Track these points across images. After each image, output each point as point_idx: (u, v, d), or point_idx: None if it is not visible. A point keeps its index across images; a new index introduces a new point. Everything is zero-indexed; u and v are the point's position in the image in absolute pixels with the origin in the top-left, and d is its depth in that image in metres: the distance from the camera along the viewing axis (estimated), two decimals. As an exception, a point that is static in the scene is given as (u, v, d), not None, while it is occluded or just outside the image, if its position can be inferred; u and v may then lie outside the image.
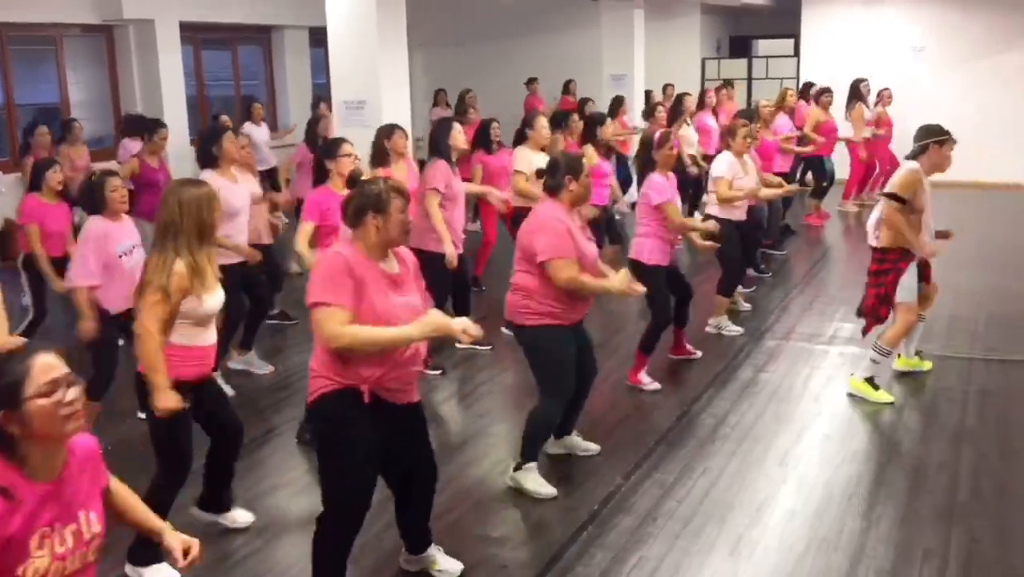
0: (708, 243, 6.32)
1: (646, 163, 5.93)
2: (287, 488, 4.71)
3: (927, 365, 6.12)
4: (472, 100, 11.85)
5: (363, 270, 3.26)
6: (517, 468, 4.57)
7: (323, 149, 5.75)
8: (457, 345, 6.40)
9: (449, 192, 6.09)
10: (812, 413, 5.54)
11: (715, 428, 5.28)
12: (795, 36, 15.17)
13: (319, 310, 3.22)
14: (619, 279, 4.37)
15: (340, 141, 5.59)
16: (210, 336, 3.85)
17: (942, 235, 5.72)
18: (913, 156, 5.51)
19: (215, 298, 3.79)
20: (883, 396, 5.61)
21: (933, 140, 5.44)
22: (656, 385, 5.86)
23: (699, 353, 6.40)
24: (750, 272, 8.09)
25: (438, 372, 6.18)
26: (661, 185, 5.80)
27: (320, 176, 5.57)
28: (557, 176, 4.44)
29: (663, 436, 5.19)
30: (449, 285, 6.20)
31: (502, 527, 4.29)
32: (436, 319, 3.24)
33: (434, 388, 6.00)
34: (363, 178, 3.53)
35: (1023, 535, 4.06)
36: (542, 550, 4.04)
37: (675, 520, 4.23)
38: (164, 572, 3.74)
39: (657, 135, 6.00)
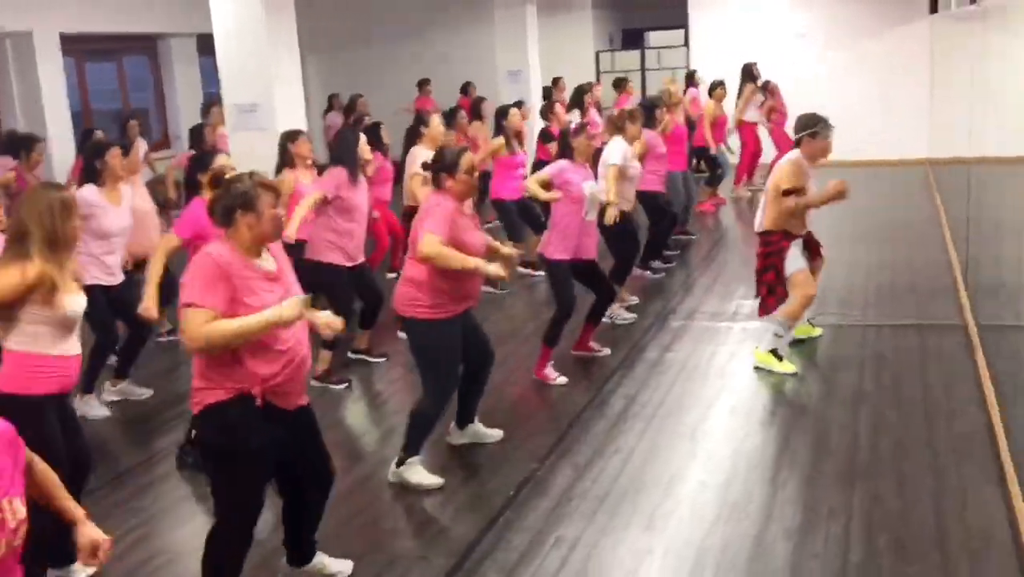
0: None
1: (564, 153, 5.98)
2: (159, 514, 4.59)
3: (817, 332, 6.36)
4: (364, 105, 11.73)
5: (237, 269, 3.19)
6: (400, 464, 4.54)
7: (196, 161, 5.36)
8: (350, 355, 6.35)
9: (344, 202, 5.79)
10: (718, 388, 5.68)
11: (625, 408, 5.36)
12: (685, 27, 15.51)
13: (186, 312, 3.13)
14: (496, 265, 4.42)
15: (213, 155, 5.29)
16: (73, 346, 3.62)
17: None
18: (796, 144, 5.74)
19: (76, 301, 3.57)
20: (787, 367, 5.80)
21: (805, 134, 5.66)
22: (563, 379, 5.84)
23: (606, 351, 6.30)
24: (656, 262, 8.26)
25: (344, 385, 6.01)
26: (568, 169, 5.86)
27: (192, 188, 5.20)
28: (438, 171, 4.46)
29: (575, 418, 5.25)
30: (351, 296, 5.98)
31: (418, 520, 4.28)
32: (295, 301, 3.19)
33: (344, 397, 5.93)
34: (228, 176, 3.42)
35: (920, 488, 4.23)
36: (461, 538, 4.04)
37: (590, 499, 4.28)
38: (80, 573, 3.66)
39: (574, 124, 6.08)
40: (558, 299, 5.90)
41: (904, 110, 13.74)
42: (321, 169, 6.48)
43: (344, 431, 5.47)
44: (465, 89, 14.12)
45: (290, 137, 6.18)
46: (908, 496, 4.17)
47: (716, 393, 5.59)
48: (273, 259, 3.37)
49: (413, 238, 4.40)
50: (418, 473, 4.52)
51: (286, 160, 6.18)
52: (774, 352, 5.84)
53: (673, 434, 5.00)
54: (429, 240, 4.24)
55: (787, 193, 5.58)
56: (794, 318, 5.84)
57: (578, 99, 10.56)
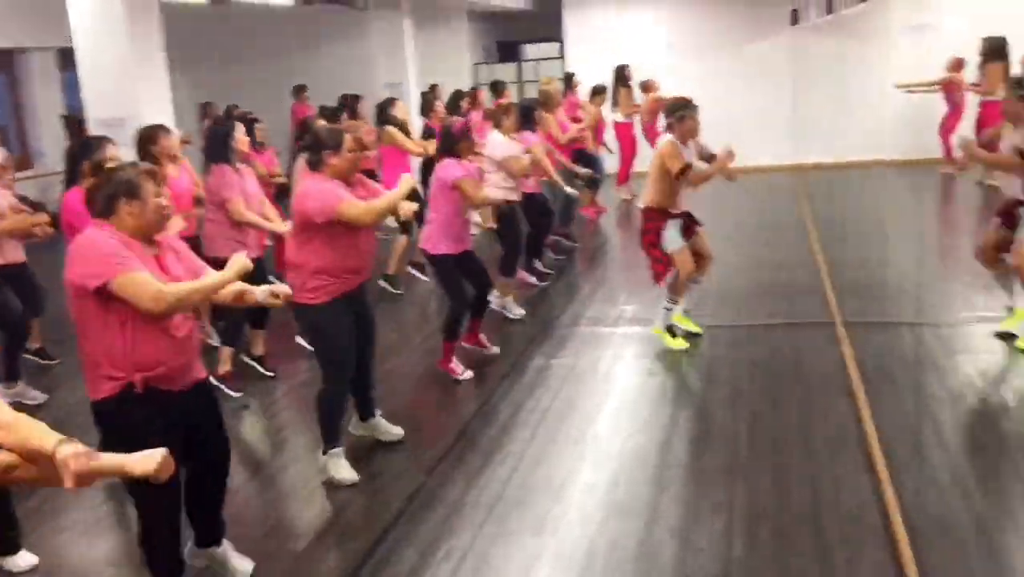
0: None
1: (447, 150, 6.01)
2: (71, 530, 4.38)
3: (696, 328, 6.60)
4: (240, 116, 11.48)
5: (131, 248, 3.14)
6: (324, 453, 4.63)
7: (81, 147, 5.29)
8: (244, 359, 6.22)
9: (244, 196, 5.78)
10: (603, 392, 5.77)
11: (513, 415, 5.39)
12: (560, 40, 15.77)
13: (121, 279, 3.03)
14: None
15: (102, 141, 5.21)
16: None
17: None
18: (668, 128, 6.17)
19: None
20: (679, 343, 6.28)
21: (675, 116, 6.11)
22: (468, 373, 5.99)
23: (495, 349, 6.45)
24: (536, 265, 8.35)
25: (239, 394, 5.87)
26: (451, 165, 5.88)
27: (73, 176, 5.18)
28: (318, 151, 4.44)
29: (465, 428, 5.25)
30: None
31: (311, 533, 4.19)
32: (242, 258, 3.35)
33: (240, 404, 5.76)
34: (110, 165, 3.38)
35: (797, 479, 4.39)
36: (350, 553, 3.98)
37: (480, 508, 4.28)
38: (25, 559, 3.77)
39: (456, 125, 6.12)
40: (450, 293, 6.01)
41: (771, 118, 14.30)
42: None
43: (238, 444, 5.31)
44: (343, 101, 13.96)
45: (149, 137, 5.78)
46: (786, 487, 4.32)
47: (602, 396, 5.68)
48: (162, 251, 3.31)
49: (296, 213, 4.43)
50: (337, 465, 4.60)
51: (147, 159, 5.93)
52: (669, 329, 6.30)
53: (561, 438, 5.05)
54: (344, 207, 4.30)
55: (683, 172, 5.98)
56: (679, 293, 6.30)
57: (455, 104, 10.60)
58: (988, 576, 3.45)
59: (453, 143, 5.96)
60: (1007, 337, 5.95)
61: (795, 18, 13.95)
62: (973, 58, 11.75)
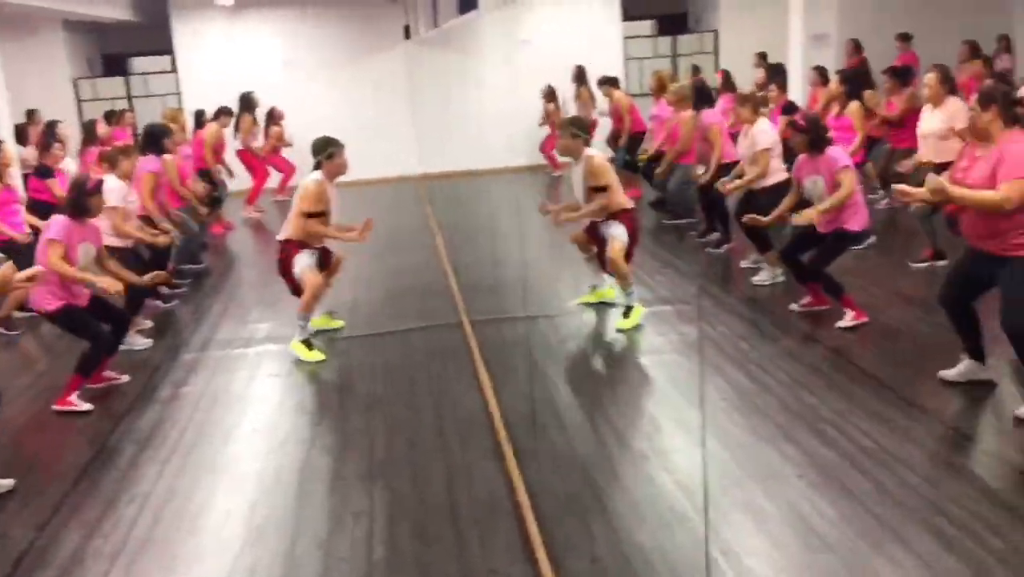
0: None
1: (73, 210, 5.64)
2: None
3: (338, 323, 6.90)
4: None
5: None
6: None
7: None
8: None
9: None
10: (237, 413, 5.57)
11: (139, 452, 5.02)
12: (171, 52, 15.00)
13: None
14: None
15: None
16: None
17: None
18: (317, 167, 6.28)
19: None
20: (316, 355, 6.33)
21: (323, 156, 6.24)
22: (88, 406, 5.61)
23: (125, 377, 6.10)
24: (164, 288, 7.88)
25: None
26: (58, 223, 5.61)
27: None
28: None
29: (83, 472, 4.79)
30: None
31: None
32: None
33: None
34: None
35: (432, 474, 4.52)
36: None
37: (103, 558, 3.92)
38: None
39: (91, 182, 5.80)
40: (85, 337, 5.70)
41: (392, 130, 14.69)
42: None
43: None
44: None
45: None
46: (423, 484, 4.44)
47: (237, 419, 5.48)
48: None
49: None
50: None
51: None
52: (305, 342, 6.33)
53: (193, 468, 4.78)
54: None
55: (309, 216, 6.19)
56: (308, 309, 6.35)
57: (50, 137, 9.55)
58: (609, 545, 3.78)
59: (82, 199, 5.66)
60: (592, 306, 6.87)
61: (408, 32, 14.46)
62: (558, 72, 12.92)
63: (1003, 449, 4.44)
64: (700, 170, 8.67)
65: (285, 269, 6.38)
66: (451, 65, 14.64)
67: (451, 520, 4.06)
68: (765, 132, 7.28)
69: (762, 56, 12.69)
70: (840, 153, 6.12)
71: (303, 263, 6.30)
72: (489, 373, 5.77)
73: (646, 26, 16.78)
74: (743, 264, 7.74)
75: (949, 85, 7.20)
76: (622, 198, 6.52)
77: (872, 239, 7.76)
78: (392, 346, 6.63)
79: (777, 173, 7.21)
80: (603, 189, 6.40)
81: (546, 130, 13.76)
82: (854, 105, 8.48)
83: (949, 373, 5.03)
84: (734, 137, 8.05)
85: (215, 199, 11.19)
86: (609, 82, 11.66)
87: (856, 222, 6.06)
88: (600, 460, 4.56)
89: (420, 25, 13.50)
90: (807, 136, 6.08)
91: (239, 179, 12.03)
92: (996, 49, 11.92)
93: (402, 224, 11.60)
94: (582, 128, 6.57)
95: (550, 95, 13.62)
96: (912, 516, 3.77)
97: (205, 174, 10.92)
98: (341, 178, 6.44)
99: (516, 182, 13.95)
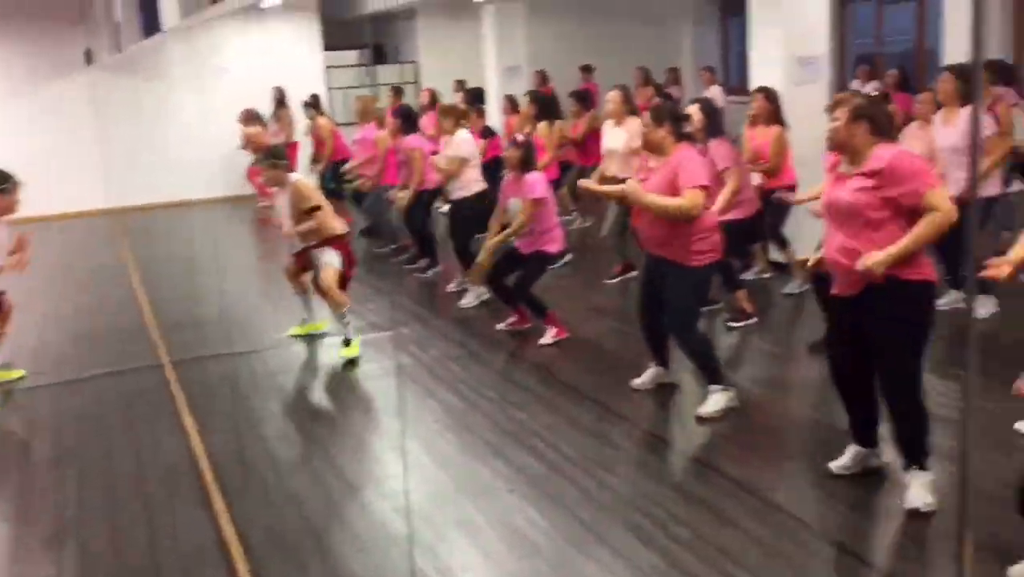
0: None
1: None
2: None
3: (16, 373, 6.32)
4: None
5: None
6: None
7: None
8: None
9: None
10: None
11: None
12: None
13: None
14: None
15: None
16: None
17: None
18: None
19: None
20: (14, 373, 6.26)
21: None
22: None
23: None
24: None
25: None
26: None
27: None
28: None
29: None
30: None
31: None
32: None
33: None
34: None
35: (134, 529, 4.19)
36: None
37: None
38: None
39: None
40: None
41: (79, 161, 13.60)
42: None
43: None
44: None
45: None
46: (121, 541, 4.10)
47: None
48: None
49: None
50: None
51: None
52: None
53: None
54: None
55: None
56: None
57: None
58: None
59: None
60: (302, 338, 6.72)
61: (89, 57, 13.48)
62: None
63: (688, 447, 4.85)
64: (400, 193, 8.65)
65: None
66: (140, 93, 13.83)
67: (155, 575, 3.78)
68: (466, 141, 7.58)
69: (460, 83, 13.15)
70: (538, 183, 6.36)
71: None
72: (193, 415, 5.46)
73: (349, 56, 16.82)
74: (450, 288, 7.91)
75: (630, 105, 7.78)
76: (334, 222, 6.42)
77: (568, 257, 8.24)
78: (84, 393, 6.10)
79: (475, 184, 7.50)
80: (313, 210, 6.28)
81: (249, 158, 13.34)
82: (542, 125, 9.02)
83: (638, 381, 5.43)
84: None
85: None
86: (314, 106, 11.56)
87: (553, 245, 6.41)
88: (315, 495, 4.45)
89: (103, 50, 12.64)
90: (521, 154, 6.35)
91: None
92: (667, 80, 13.20)
93: (93, 261, 10.76)
94: (278, 156, 6.44)
95: (250, 119, 13.18)
96: (613, 517, 4.01)
97: None
98: (18, 215, 5.88)
99: (217, 213, 13.40)
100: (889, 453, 4.09)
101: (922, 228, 3.57)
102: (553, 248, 6.43)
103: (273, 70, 14.00)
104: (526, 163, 6.39)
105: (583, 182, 5.85)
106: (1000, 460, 4.13)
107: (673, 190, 4.78)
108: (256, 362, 6.50)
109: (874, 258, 3.58)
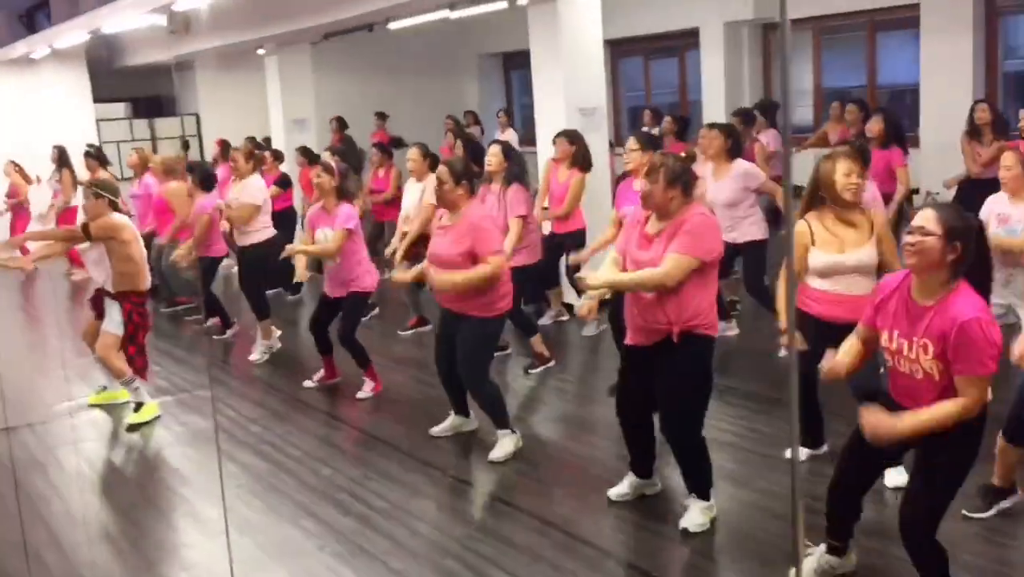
0: None
1: None
2: None
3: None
4: None
5: None
6: None
7: None
8: None
9: None
10: None
11: None
12: None
13: None
14: None
15: None
16: None
17: None
18: None
19: None
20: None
21: None
22: None
23: None
24: None
25: None
26: None
27: None
28: None
29: None
30: None
31: None
32: None
33: None
34: None
35: None
36: None
37: None
38: None
39: None
40: None
41: None
42: None
43: None
44: None
45: None
46: None
47: None
48: None
49: None
50: None
51: None
52: None
53: None
54: None
55: None
56: None
57: None
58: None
59: None
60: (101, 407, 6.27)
61: None
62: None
63: (493, 488, 4.93)
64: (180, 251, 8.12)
65: None
66: None
67: None
68: (259, 188, 7.41)
69: (251, 139, 12.83)
70: (349, 215, 6.13)
71: None
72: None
73: (120, 108, 16.07)
74: (251, 357, 7.55)
75: (431, 160, 7.63)
76: (138, 279, 5.98)
77: (376, 311, 8.21)
78: None
79: (265, 230, 7.34)
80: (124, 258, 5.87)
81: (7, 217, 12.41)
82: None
83: (438, 429, 5.48)
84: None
85: None
86: (96, 158, 10.84)
87: (368, 278, 6.22)
88: (106, 575, 4.17)
89: None
90: (337, 182, 6.17)
91: None
92: (467, 122, 13.47)
93: None
94: (107, 189, 5.96)
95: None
96: (424, 564, 4.02)
97: None
98: None
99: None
100: (672, 475, 4.34)
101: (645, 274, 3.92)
102: (368, 282, 6.22)
103: (42, 122, 13.21)
104: (341, 192, 6.20)
105: (396, 276, 5.96)
106: (783, 480, 4.49)
107: (467, 249, 4.88)
108: (31, 437, 6.01)
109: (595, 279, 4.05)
